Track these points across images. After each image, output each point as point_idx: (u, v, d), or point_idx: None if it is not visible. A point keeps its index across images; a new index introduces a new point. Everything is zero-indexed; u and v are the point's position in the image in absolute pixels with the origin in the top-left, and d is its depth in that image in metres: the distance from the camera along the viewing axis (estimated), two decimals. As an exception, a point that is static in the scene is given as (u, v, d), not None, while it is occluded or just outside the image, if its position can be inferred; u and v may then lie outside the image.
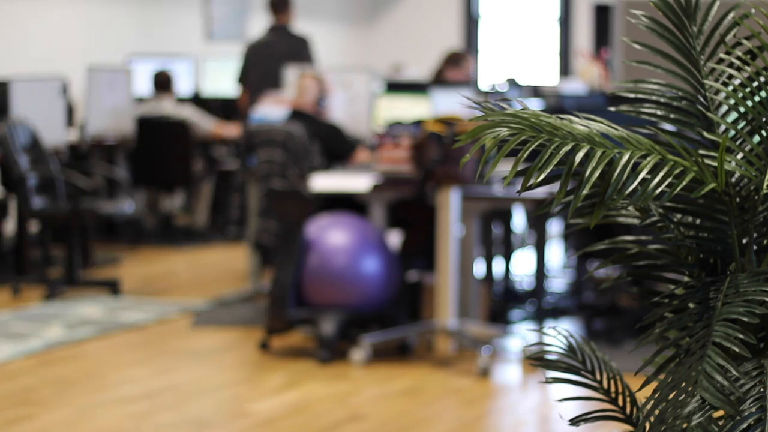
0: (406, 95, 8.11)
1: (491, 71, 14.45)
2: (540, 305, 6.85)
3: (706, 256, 2.37)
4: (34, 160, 7.70)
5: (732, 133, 2.38)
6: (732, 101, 2.37)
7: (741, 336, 2.13)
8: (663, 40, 2.41)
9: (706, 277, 2.34)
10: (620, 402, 2.54)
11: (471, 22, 14.70)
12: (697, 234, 2.36)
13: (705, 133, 2.36)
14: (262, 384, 5.78)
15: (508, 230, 7.99)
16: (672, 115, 2.41)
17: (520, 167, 2.12)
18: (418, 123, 6.54)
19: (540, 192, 5.91)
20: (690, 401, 2.10)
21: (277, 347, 6.35)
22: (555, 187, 2.13)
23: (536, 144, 2.13)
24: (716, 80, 2.41)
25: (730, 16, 2.41)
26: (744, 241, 2.32)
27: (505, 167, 5.43)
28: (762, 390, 2.16)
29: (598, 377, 2.55)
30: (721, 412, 2.14)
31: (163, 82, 9.71)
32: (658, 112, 2.41)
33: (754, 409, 2.15)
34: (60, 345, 6.39)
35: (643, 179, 2.11)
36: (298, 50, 9.37)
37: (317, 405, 5.41)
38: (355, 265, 6.17)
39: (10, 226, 8.57)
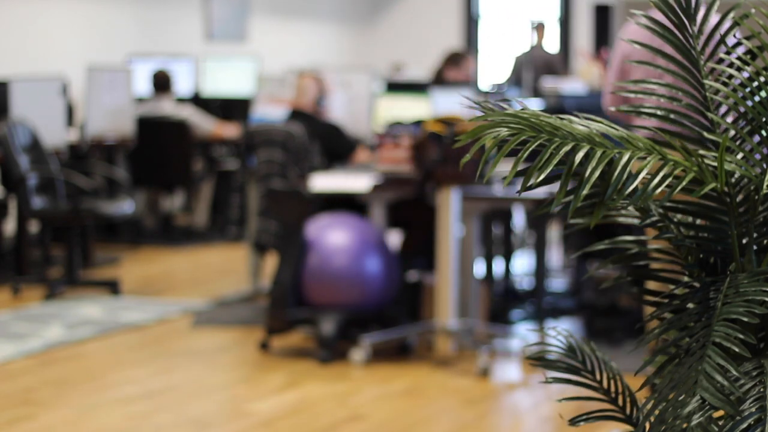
0: (406, 95, 8.11)
1: (491, 71, 14.45)
2: (540, 305, 6.85)
3: (706, 256, 2.37)
4: (34, 160, 7.70)
5: (732, 133, 2.38)
6: (732, 101, 2.37)
7: (741, 336, 2.13)
8: (663, 40, 2.41)
9: (706, 277, 2.34)
10: (620, 402, 2.54)
11: (471, 22, 14.70)
12: (697, 234, 2.36)
13: (705, 133, 2.36)
14: (262, 384, 5.78)
15: (508, 230, 7.99)
16: (672, 115, 2.41)
17: (520, 167, 2.12)
18: (418, 123, 6.54)
19: (540, 192, 5.91)
20: (690, 401, 2.10)
21: (277, 347, 6.35)
22: (555, 187, 2.13)
23: (536, 144, 2.13)
24: (716, 80, 2.41)
25: (730, 16, 2.41)
26: (744, 241, 2.32)
27: (505, 167, 5.43)
28: (762, 390, 2.16)
29: (598, 377, 2.55)
30: (721, 412, 2.14)
31: (162, 82, 9.71)
32: (658, 112, 2.41)
33: (754, 409, 2.14)
34: (60, 345, 6.39)
35: (643, 179, 2.11)
36: (554, 64, 12.47)
37: (317, 405, 5.41)
38: (355, 265, 6.17)
39: (10, 226, 8.57)
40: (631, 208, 2.44)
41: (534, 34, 12.96)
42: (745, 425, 2.14)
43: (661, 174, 2.11)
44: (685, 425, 2.09)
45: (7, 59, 9.75)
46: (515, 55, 12.85)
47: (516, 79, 12.34)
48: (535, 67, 12.34)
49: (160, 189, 10.00)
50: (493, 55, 14.74)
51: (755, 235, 2.32)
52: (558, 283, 8.01)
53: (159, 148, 9.45)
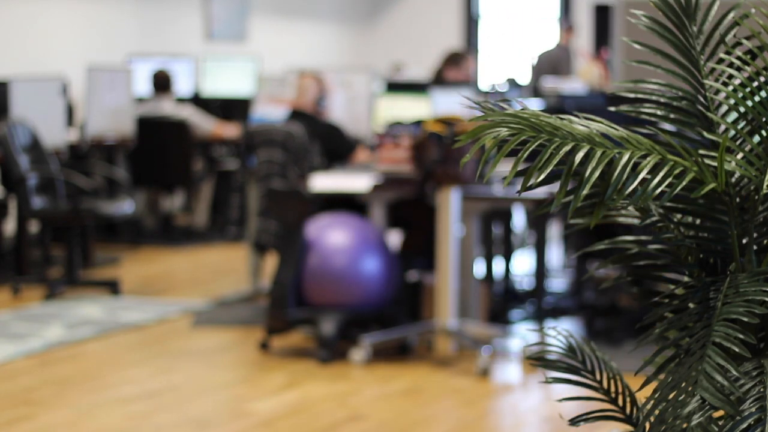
0: (406, 95, 8.11)
1: (491, 71, 14.45)
2: (540, 305, 6.85)
3: (706, 256, 2.37)
4: (34, 160, 7.70)
5: (732, 133, 2.38)
6: (732, 101, 2.37)
7: (741, 336, 2.13)
8: (663, 40, 2.41)
9: (706, 277, 2.34)
10: (620, 402, 2.54)
11: (471, 22, 14.70)
12: (697, 234, 2.36)
13: (705, 133, 2.36)
14: (262, 384, 5.78)
15: (508, 230, 7.99)
16: (672, 115, 2.41)
17: (520, 167, 2.12)
18: (418, 123, 6.54)
19: (540, 192, 5.91)
20: (690, 401, 2.10)
21: (277, 347, 6.35)
22: (555, 187, 2.13)
23: (536, 144, 2.13)
24: (716, 80, 2.41)
25: (730, 16, 2.41)
26: (744, 241, 2.32)
27: (505, 167, 5.45)
28: (762, 390, 2.16)
29: (598, 377, 2.55)
30: (721, 412, 2.14)
31: (162, 82, 9.71)
32: (658, 112, 2.41)
33: (754, 409, 2.14)
34: (60, 345, 6.39)
35: (643, 179, 2.11)
36: (559, 62, 12.53)
37: (317, 405, 5.41)
38: (355, 265, 6.17)
39: (10, 226, 8.57)
40: (631, 208, 2.44)
41: (562, 34, 13.07)
42: (745, 425, 2.14)
43: (661, 174, 2.11)
44: (685, 425, 2.09)
45: (7, 59, 9.75)
46: (538, 53, 12.87)
47: (537, 78, 12.43)
48: (552, 63, 12.43)
49: (160, 189, 10.00)
50: (493, 55, 14.74)
51: (755, 235, 2.32)
52: (558, 283, 8.01)
53: (159, 148, 9.45)
